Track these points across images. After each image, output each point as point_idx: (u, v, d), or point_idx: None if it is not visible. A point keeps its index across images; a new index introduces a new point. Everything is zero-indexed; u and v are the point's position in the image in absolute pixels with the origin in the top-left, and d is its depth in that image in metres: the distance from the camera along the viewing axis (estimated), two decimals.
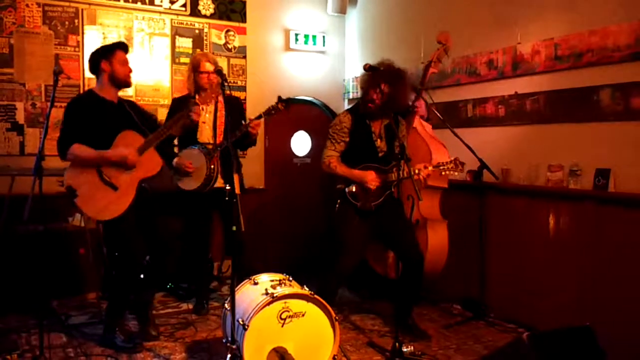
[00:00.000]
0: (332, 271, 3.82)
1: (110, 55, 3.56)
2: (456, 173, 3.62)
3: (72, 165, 3.44)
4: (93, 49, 3.68)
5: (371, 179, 3.68)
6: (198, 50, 5.29)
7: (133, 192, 3.47)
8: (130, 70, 3.66)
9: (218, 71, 3.29)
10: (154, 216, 3.69)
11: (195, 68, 4.13)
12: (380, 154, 3.76)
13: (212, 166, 3.95)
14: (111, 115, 3.54)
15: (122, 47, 3.66)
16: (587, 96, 3.66)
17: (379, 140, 3.78)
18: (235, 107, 4.11)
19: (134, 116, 3.60)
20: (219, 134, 4.08)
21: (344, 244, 3.77)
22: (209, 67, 4.07)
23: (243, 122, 4.03)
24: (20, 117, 4.63)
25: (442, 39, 4.23)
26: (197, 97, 3.91)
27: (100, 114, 3.50)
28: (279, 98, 3.94)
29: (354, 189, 3.74)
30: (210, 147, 4.04)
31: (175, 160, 3.99)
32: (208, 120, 4.11)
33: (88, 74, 4.76)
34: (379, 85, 3.63)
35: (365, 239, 3.82)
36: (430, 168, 3.61)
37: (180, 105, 3.88)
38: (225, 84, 3.27)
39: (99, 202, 3.41)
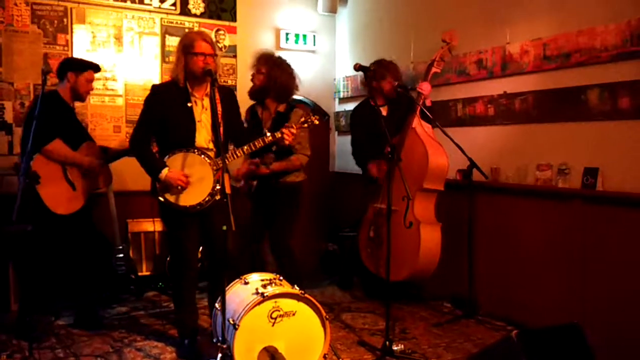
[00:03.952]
0: None
1: (80, 71, 3.83)
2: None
3: (40, 154, 3.61)
4: (70, 57, 4.09)
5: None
6: None
7: (86, 196, 3.85)
8: (92, 89, 3.97)
9: (208, 71, 3.25)
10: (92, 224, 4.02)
11: (186, 49, 3.32)
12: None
13: (217, 180, 3.31)
14: (73, 118, 3.89)
15: (95, 68, 3.94)
16: (575, 96, 3.69)
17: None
18: (231, 102, 3.55)
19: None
20: (221, 137, 3.30)
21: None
22: (205, 47, 3.31)
23: (267, 132, 3.45)
24: (8, 117, 4.60)
25: (446, 38, 4.20)
26: (188, 86, 3.36)
27: (68, 115, 3.84)
28: (314, 111, 3.62)
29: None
30: (209, 152, 3.36)
31: (166, 174, 3.24)
32: (204, 120, 3.38)
33: None
34: (258, 68, 4.06)
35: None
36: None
37: (163, 97, 3.37)
38: (216, 84, 3.28)
39: (60, 196, 3.69)
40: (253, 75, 4.13)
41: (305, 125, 3.47)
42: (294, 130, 3.41)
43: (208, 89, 3.37)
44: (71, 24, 4.83)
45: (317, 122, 3.48)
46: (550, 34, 3.85)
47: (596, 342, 2.56)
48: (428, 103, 4.25)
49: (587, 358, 2.52)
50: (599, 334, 2.88)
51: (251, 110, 4.27)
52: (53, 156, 3.66)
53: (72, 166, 3.75)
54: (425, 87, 4.17)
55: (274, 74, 4.02)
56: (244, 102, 4.09)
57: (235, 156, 3.37)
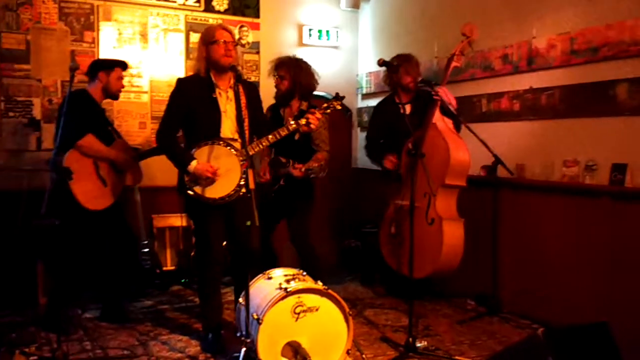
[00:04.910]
0: None
1: (110, 69, 3.91)
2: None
3: (73, 150, 3.66)
4: (100, 58, 4.25)
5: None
6: None
7: (117, 193, 3.90)
8: (123, 86, 4.05)
9: (232, 67, 3.30)
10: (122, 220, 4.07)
11: (208, 39, 3.36)
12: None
13: (245, 170, 3.32)
14: (102, 117, 4.01)
15: (122, 65, 4.02)
16: (603, 91, 3.62)
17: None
18: (255, 96, 3.61)
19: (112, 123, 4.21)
20: (246, 128, 3.36)
21: None
22: (225, 35, 3.34)
23: (291, 119, 3.46)
24: (37, 113, 4.67)
25: (466, 31, 4.12)
26: (212, 77, 3.40)
27: (97, 114, 3.93)
28: (337, 95, 3.55)
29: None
30: (234, 143, 3.38)
31: (195, 166, 3.27)
32: (229, 111, 3.40)
33: None
34: (280, 75, 4.09)
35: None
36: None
37: (190, 87, 3.42)
38: (240, 78, 3.31)
39: (91, 192, 3.74)
40: (277, 82, 4.16)
41: (328, 110, 3.50)
42: (318, 116, 3.43)
43: (232, 81, 3.39)
44: (97, 21, 4.89)
45: (339, 107, 3.51)
46: (577, 28, 3.79)
47: (624, 342, 2.52)
48: (454, 104, 4.19)
49: (615, 357, 2.48)
50: (628, 334, 2.82)
51: (273, 108, 4.29)
52: (86, 151, 3.72)
53: (103, 162, 3.81)
54: (442, 92, 4.09)
55: (296, 77, 4.08)
56: (267, 98, 4.13)
57: (261, 146, 3.39)
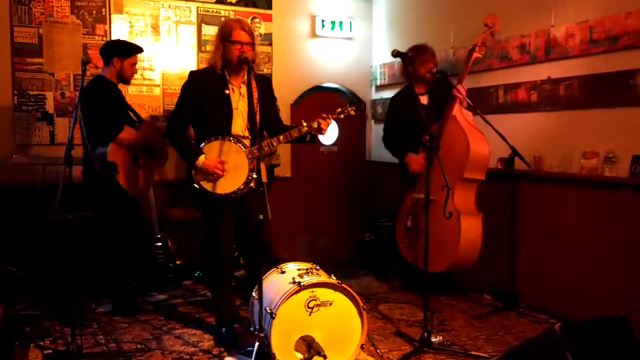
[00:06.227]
0: None
1: (126, 57, 3.90)
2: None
3: (114, 143, 3.69)
4: (114, 40, 4.21)
5: None
6: None
7: (153, 176, 4.10)
8: (136, 72, 4.06)
9: (244, 59, 3.26)
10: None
11: (225, 37, 3.35)
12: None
13: (253, 168, 3.34)
14: (124, 101, 4.03)
15: (139, 51, 4.02)
16: (623, 81, 3.54)
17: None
18: (267, 90, 3.57)
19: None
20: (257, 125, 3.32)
21: None
22: (243, 36, 3.33)
23: (304, 122, 3.40)
24: (50, 107, 4.68)
25: (488, 22, 4.07)
26: (226, 73, 3.38)
27: (121, 99, 3.96)
28: (351, 102, 3.58)
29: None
30: (244, 140, 3.39)
31: (202, 161, 3.26)
32: (241, 107, 3.39)
33: None
34: None
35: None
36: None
37: (205, 82, 3.39)
38: (252, 72, 3.27)
39: (134, 180, 3.85)
40: None
41: (342, 115, 3.46)
42: (330, 121, 3.42)
43: (245, 77, 3.37)
44: (109, 14, 4.88)
45: (352, 112, 3.48)
46: (597, 17, 3.70)
47: None
48: (464, 105, 4.12)
49: (634, 352, 2.43)
50: None
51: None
52: (126, 143, 3.75)
53: (137, 149, 3.86)
54: (461, 90, 4.03)
55: None
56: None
57: (271, 146, 3.37)
